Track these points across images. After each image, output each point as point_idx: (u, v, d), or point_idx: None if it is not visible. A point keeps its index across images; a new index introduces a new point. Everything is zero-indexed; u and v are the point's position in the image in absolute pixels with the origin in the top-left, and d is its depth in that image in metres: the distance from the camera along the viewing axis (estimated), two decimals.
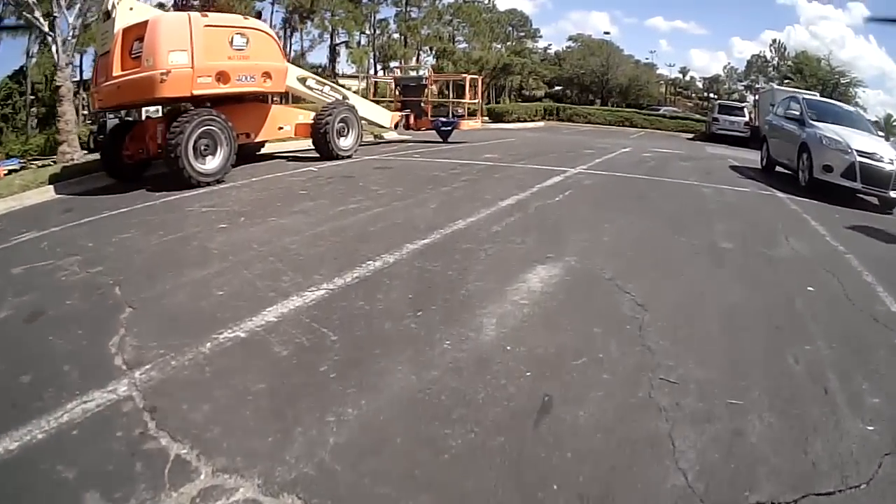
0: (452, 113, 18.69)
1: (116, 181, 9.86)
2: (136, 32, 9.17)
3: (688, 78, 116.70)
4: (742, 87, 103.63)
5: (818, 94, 33.39)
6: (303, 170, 10.71)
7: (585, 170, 11.56)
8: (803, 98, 13.52)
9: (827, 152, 10.78)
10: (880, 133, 13.74)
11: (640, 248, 5.97)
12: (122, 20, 9.61)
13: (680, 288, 4.91)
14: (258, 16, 46.57)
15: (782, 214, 8.46)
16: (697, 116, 49.05)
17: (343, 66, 65.52)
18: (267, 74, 10.68)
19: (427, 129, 18.09)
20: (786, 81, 55.53)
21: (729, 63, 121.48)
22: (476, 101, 18.61)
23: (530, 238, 5.93)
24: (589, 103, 78.25)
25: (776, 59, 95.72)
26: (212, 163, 9.29)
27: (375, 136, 17.21)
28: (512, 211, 7.08)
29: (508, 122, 36.36)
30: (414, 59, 73.05)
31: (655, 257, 5.69)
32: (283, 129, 12.25)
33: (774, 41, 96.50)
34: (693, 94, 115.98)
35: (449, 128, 17.78)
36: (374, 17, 66.78)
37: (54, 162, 11.43)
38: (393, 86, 19.06)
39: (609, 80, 65.92)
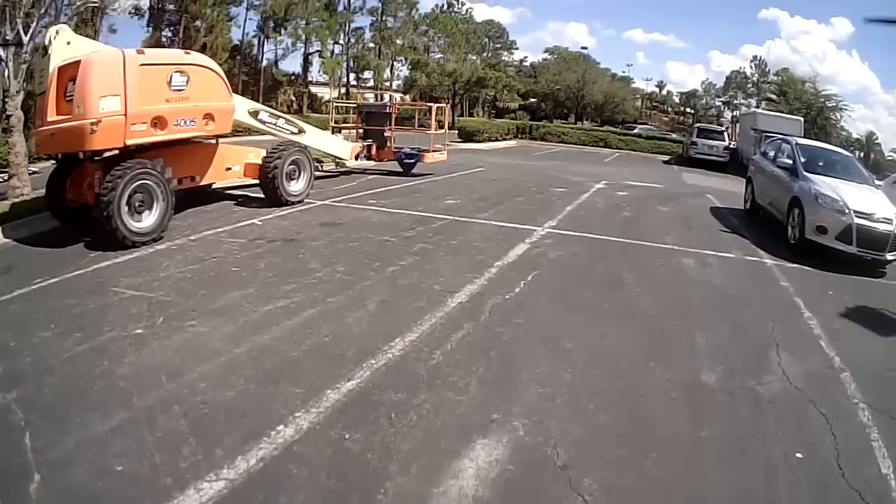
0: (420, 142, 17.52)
1: (62, 223, 8.95)
2: (71, 72, 8.07)
3: (664, 92, 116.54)
4: (720, 104, 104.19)
5: (801, 119, 32.90)
6: (246, 224, 9.53)
7: (554, 228, 10.43)
8: (796, 143, 12.59)
9: (821, 212, 9.86)
10: (877, 182, 12.88)
11: (609, 395, 4.69)
12: (57, 56, 8.49)
13: (651, 477, 3.78)
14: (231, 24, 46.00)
15: (773, 304, 7.31)
16: (674, 136, 48.57)
17: (315, 74, 64.08)
18: (209, 116, 9.56)
19: (390, 160, 17.10)
20: (768, 104, 55.35)
21: (707, 78, 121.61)
22: (442, 131, 17.43)
23: (474, 380, 4.68)
24: (563, 118, 77.93)
25: (756, 75, 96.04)
26: (148, 219, 8.26)
27: (337, 164, 16.09)
28: (461, 318, 5.85)
29: (479, 141, 35.25)
30: (388, 69, 72.33)
31: (624, 416, 4.44)
32: (231, 171, 11.17)
33: (755, 57, 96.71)
34: (669, 109, 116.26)
35: (412, 160, 16.75)
36: (349, 26, 65.43)
37: (4, 197, 10.34)
38: (356, 113, 17.82)
39: (584, 97, 65.16)
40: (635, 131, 51.33)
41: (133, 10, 50.79)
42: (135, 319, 5.50)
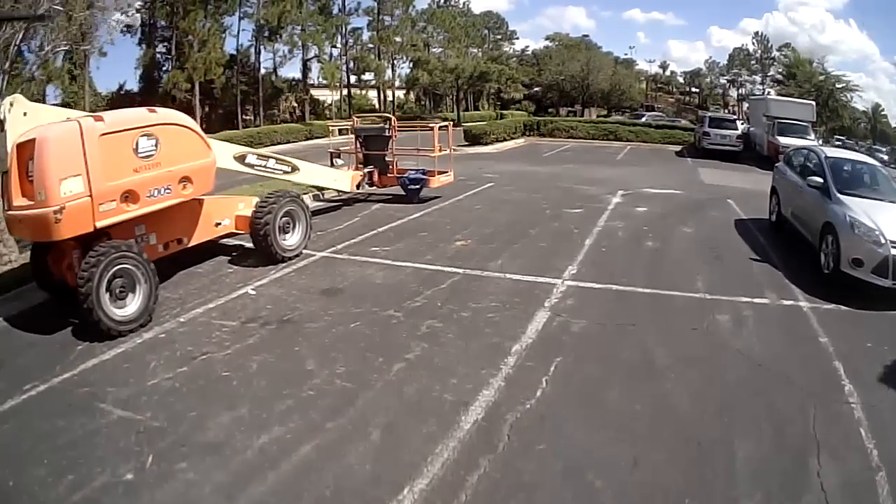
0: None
1: (51, 295, 8.47)
2: (28, 151, 7.34)
3: (668, 73, 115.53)
4: (725, 81, 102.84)
5: (813, 103, 31.80)
6: (238, 294, 8.76)
7: (575, 277, 9.52)
8: (825, 157, 11.63)
9: (857, 243, 9.01)
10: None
11: None
12: (14, 131, 7.73)
13: None
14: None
15: (813, 376, 6.41)
16: (683, 123, 47.47)
17: (316, 79, 63.07)
18: (186, 179, 8.73)
19: (393, 186, 16.32)
20: (777, 87, 54.19)
21: (710, 57, 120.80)
22: (446, 151, 16.58)
23: None
24: (570, 105, 76.82)
25: (759, 51, 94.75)
26: (132, 305, 7.55)
27: (339, 191, 15.35)
28: (476, 448, 4.96)
29: (486, 143, 34.38)
30: (388, 69, 71.35)
31: None
32: (220, 226, 10.39)
33: (757, 34, 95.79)
34: (674, 90, 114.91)
35: (417, 186, 15.89)
36: (346, 29, 64.47)
37: None
38: (353, 136, 16.97)
39: (590, 86, 63.90)
40: (643, 119, 50.25)
41: (125, 28, 50.58)
42: (124, 458, 4.88)
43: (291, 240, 10.71)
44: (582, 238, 11.97)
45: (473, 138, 34.56)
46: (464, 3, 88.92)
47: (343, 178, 14.77)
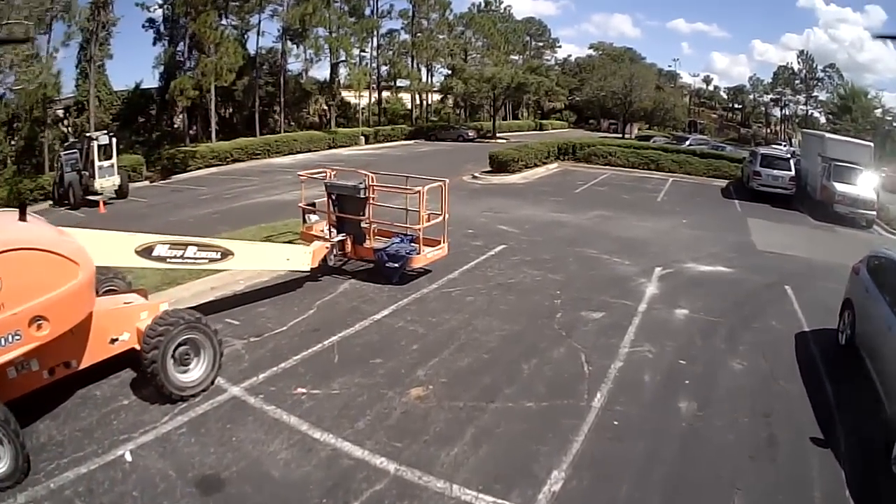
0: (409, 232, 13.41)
1: None
2: None
3: (711, 87, 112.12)
4: (769, 100, 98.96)
5: (872, 145, 28.12)
6: (113, 457, 6.44)
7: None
8: None
9: None
10: None
11: None
12: None
13: None
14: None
15: None
16: (729, 151, 43.73)
17: (346, 82, 60.19)
18: (41, 318, 6.22)
19: (370, 260, 13.23)
20: (831, 123, 49.57)
21: (755, 74, 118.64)
22: (439, 219, 13.42)
23: None
24: (613, 118, 72.79)
25: (804, 70, 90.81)
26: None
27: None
28: None
29: (514, 170, 31.20)
30: (422, 76, 68.31)
31: None
32: (118, 342, 7.83)
33: (802, 52, 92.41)
34: (717, 105, 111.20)
35: (396, 264, 12.67)
36: (378, 32, 61.71)
37: None
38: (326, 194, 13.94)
39: (632, 103, 60.16)
40: (687, 144, 46.60)
41: (147, 22, 48.43)
42: None
43: (193, 374, 7.87)
44: (591, 390, 8.47)
45: (500, 165, 31.38)
46: (505, 8, 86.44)
47: (299, 256, 11.66)
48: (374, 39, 61.61)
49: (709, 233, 19.77)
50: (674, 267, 15.32)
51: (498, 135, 63.20)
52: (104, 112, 45.41)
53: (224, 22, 46.12)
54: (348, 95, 62.60)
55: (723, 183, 32.66)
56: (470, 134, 58.34)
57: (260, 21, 49.92)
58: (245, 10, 48.11)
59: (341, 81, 60.15)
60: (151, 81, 49.60)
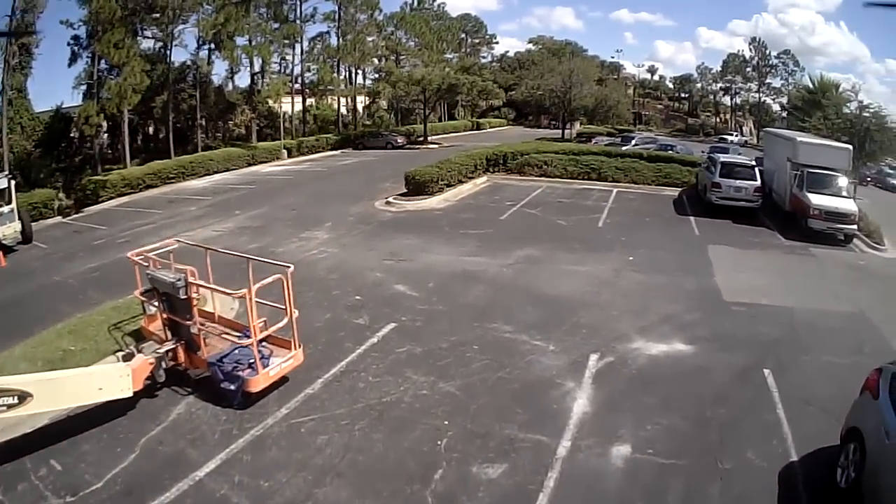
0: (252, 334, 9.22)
1: None
2: None
3: (656, 77, 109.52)
4: (719, 88, 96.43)
5: (850, 148, 24.17)
6: None
7: None
8: None
9: None
10: None
11: None
12: None
13: None
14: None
15: None
16: (680, 152, 39.94)
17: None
18: None
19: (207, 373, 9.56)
20: (794, 118, 45.94)
21: (703, 63, 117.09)
22: (288, 315, 9.42)
23: None
24: (553, 116, 69.02)
25: (756, 58, 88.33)
26: None
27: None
28: None
29: (434, 191, 26.74)
30: (348, 83, 63.71)
31: None
32: None
33: (754, 39, 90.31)
34: (663, 96, 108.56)
35: (233, 385, 9.07)
36: (302, 37, 56.74)
37: None
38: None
39: (572, 101, 56.21)
40: (633, 144, 42.90)
41: (72, 41, 43.62)
42: None
43: None
44: None
45: (417, 187, 26.87)
46: (439, 6, 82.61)
47: (114, 381, 8.59)
48: (300, 45, 56.78)
49: (661, 277, 15.66)
50: (615, 351, 11.25)
51: (431, 138, 59.08)
52: (27, 139, 41.87)
53: (147, 33, 43.43)
54: (276, 104, 57.77)
55: (675, 192, 28.81)
56: (399, 140, 53.75)
57: (181, 32, 45.41)
58: (163, 21, 43.35)
59: (261, 91, 55.20)
60: (74, 100, 44.97)
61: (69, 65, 43.19)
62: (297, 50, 57.03)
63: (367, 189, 29.24)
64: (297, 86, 58.31)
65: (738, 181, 23.95)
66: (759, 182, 23.97)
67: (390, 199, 26.29)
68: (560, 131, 59.16)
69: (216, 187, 32.94)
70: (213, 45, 47.83)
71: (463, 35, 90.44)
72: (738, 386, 10.08)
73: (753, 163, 25.79)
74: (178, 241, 11.19)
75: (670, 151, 38.42)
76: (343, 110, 66.21)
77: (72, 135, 45.64)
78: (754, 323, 12.72)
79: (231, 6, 44.49)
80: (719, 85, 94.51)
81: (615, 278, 15.52)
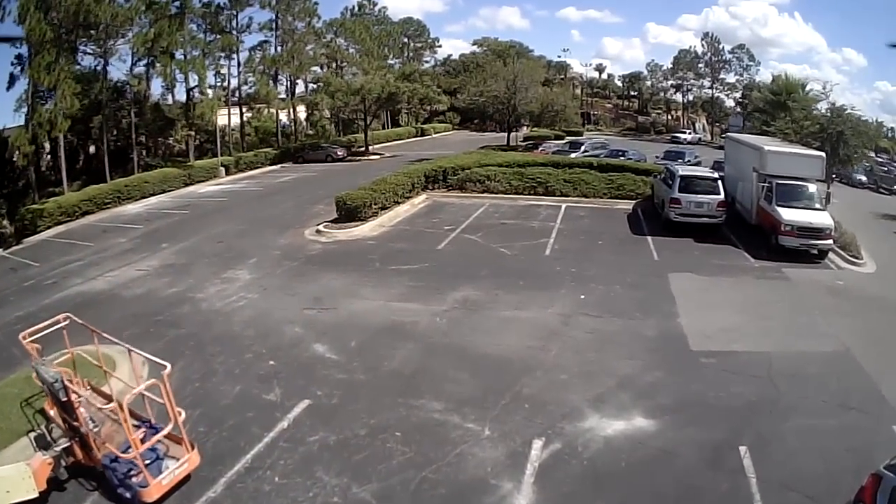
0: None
1: None
2: None
3: (605, 76, 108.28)
4: (669, 85, 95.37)
5: (823, 155, 22.50)
6: None
7: None
8: None
9: None
10: None
11: None
12: None
13: None
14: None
15: None
16: (632, 156, 38.30)
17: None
18: None
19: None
20: (758, 121, 44.22)
21: (653, 60, 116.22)
22: (172, 418, 8.18)
23: None
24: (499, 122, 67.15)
25: (709, 54, 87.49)
26: None
27: None
28: None
29: (366, 217, 24.39)
30: (286, 94, 61.28)
31: None
32: None
33: (707, 35, 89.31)
34: (612, 94, 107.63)
35: (129, 494, 8.11)
36: (239, 49, 54.01)
37: None
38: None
39: (517, 107, 54.39)
40: (582, 151, 41.10)
41: (15, 60, 40.84)
42: None
43: None
44: None
45: (349, 213, 24.49)
46: (380, 10, 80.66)
47: (19, 483, 7.76)
48: (237, 56, 54.13)
49: (617, 322, 13.75)
50: (563, 434, 9.45)
51: (373, 148, 57.08)
52: None
53: (88, 50, 41.58)
54: (213, 119, 55.05)
55: (628, 206, 27.06)
56: (339, 153, 51.39)
57: (118, 49, 43.59)
58: (100, 38, 41.47)
59: (197, 106, 52.51)
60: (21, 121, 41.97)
61: (7, 88, 40.39)
62: (235, 62, 54.51)
63: (298, 214, 27.19)
64: (234, 98, 55.80)
65: (699, 196, 22.19)
66: (722, 196, 22.31)
67: (320, 228, 23.96)
68: (505, 139, 57.35)
69: (150, 213, 31.44)
70: (149, 61, 45.45)
71: (405, 39, 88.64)
72: (709, 474, 8.43)
73: (716, 175, 23.96)
74: (69, 317, 10.07)
75: (622, 158, 36.50)
76: (285, 120, 63.72)
77: (14, 159, 43.12)
78: (727, 381, 10.99)
79: (164, 20, 42.46)
80: (670, 82, 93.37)
81: (564, 327, 13.54)
